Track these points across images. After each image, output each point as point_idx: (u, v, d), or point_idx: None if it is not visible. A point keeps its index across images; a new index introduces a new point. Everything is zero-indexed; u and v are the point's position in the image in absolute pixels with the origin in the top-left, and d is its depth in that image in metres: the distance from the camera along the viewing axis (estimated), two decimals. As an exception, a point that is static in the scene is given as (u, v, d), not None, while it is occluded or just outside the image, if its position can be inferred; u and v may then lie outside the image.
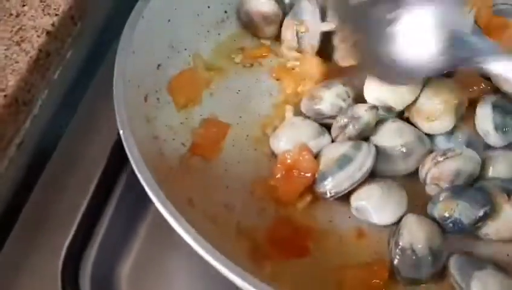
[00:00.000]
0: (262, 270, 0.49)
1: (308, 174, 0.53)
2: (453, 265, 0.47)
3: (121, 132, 0.49)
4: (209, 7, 0.65)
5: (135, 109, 0.53)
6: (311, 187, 0.53)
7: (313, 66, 0.60)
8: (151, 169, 0.48)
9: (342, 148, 0.52)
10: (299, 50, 0.62)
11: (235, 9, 0.65)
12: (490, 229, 0.48)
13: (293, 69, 0.61)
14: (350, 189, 0.52)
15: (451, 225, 0.47)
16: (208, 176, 0.56)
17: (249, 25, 0.65)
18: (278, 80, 0.62)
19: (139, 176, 0.47)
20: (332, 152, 0.53)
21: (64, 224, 0.55)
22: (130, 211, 0.58)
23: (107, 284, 0.55)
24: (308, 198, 0.54)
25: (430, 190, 0.52)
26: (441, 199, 0.48)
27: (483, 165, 0.52)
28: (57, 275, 0.52)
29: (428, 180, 0.51)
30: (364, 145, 0.52)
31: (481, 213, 0.47)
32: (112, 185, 0.59)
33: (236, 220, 0.53)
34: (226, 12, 0.66)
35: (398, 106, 0.53)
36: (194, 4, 0.63)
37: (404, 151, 0.52)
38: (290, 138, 0.56)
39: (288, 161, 0.53)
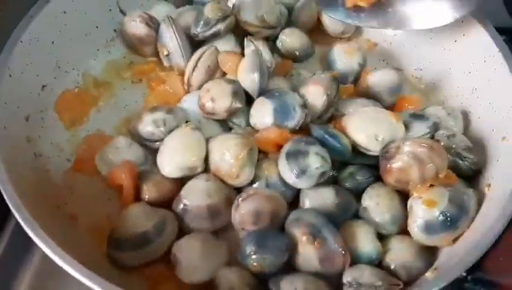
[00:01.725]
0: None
1: None
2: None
3: (-10, 155, 0.51)
4: (97, 27, 0.68)
5: (12, 130, 0.56)
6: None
7: (176, 83, 0.63)
8: (29, 190, 0.52)
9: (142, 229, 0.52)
10: (171, 68, 0.66)
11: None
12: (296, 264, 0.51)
13: (162, 84, 0.65)
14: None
15: (263, 274, 0.50)
16: (92, 189, 0.58)
17: (130, 45, 0.68)
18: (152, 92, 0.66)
19: (7, 200, 0.49)
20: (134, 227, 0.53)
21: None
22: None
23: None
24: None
25: (242, 235, 0.53)
26: (248, 252, 0.49)
27: (300, 199, 0.54)
28: None
29: (237, 227, 0.53)
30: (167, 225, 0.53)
31: (285, 259, 0.49)
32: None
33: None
34: (115, 31, 0.70)
35: (199, 168, 0.55)
36: (81, 25, 0.66)
37: (211, 211, 0.53)
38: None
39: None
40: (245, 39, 0.64)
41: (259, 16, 0.65)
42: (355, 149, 0.56)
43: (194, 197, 0.53)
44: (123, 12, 0.69)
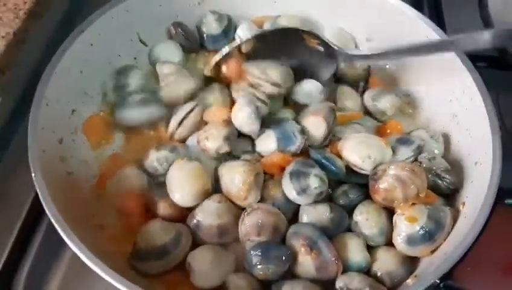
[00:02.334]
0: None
1: None
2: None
3: (33, 175, 0.59)
4: (119, 56, 0.76)
5: (49, 152, 0.63)
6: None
7: None
8: (63, 204, 0.58)
9: (161, 241, 0.59)
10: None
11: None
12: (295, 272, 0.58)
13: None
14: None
15: (267, 281, 0.58)
16: (115, 203, 0.66)
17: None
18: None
19: (48, 213, 0.56)
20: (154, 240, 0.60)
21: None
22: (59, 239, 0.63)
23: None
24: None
25: (247, 246, 0.59)
26: (254, 262, 0.56)
27: (299, 214, 0.62)
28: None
29: (242, 238, 0.60)
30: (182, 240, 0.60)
31: (286, 268, 0.57)
32: (39, 217, 0.68)
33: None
34: (135, 58, 0.77)
35: (204, 195, 0.62)
36: (105, 55, 0.74)
37: (220, 230, 0.60)
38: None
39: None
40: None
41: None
42: (350, 168, 0.64)
43: (206, 217, 0.61)
44: (143, 43, 0.77)
